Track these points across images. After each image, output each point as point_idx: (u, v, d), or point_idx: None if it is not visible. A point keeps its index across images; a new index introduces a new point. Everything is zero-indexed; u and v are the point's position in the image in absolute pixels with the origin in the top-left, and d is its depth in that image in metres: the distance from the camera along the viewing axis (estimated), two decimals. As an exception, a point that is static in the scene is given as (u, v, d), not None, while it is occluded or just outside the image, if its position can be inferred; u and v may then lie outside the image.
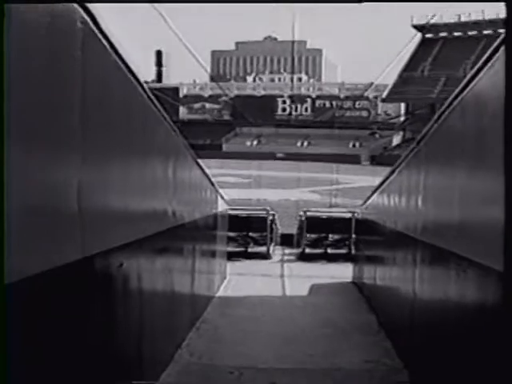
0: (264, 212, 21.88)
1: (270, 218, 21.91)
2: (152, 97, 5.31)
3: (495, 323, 3.32)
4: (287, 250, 22.88)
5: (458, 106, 4.72)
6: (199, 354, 7.61)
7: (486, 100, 3.81)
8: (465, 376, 4.30)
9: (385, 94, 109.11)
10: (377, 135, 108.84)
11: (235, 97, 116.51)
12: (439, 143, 5.58)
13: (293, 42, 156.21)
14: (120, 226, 4.30)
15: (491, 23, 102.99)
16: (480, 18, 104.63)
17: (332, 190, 47.43)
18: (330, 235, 20.67)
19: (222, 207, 13.55)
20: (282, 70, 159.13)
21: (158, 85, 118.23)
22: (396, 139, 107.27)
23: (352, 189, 53.10)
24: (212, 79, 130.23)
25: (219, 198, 12.82)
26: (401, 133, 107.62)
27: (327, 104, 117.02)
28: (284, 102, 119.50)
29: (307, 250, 20.65)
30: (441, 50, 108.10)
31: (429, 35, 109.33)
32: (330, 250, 20.43)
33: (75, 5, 3.15)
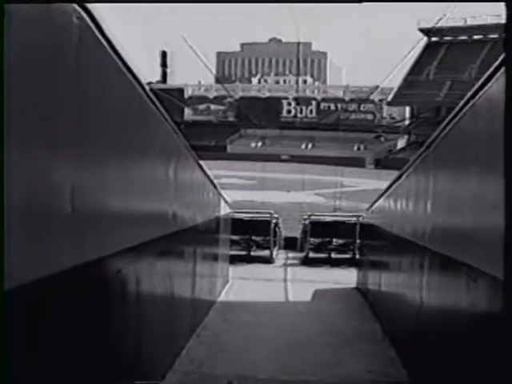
0: (268, 215, 21.67)
1: (274, 221, 21.73)
2: (152, 97, 5.15)
3: (506, 335, 3.05)
4: (291, 254, 22.69)
5: (470, 111, 4.54)
6: (199, 362, 7.41)
7: (499, 104, 3.60)
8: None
9: (390, 98, 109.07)
10: (382, 138, 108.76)
11: (240, 98, 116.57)
12: (450, 148, 5.39)
13: (298, 44, 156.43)
14: (117, 232, 4.12)
15: (497, 27, 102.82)
16: (485, 21, 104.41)
17: (336, 192, 47.23)
18: (334, 240, 20.48)
19: (224, 210, 13.37)
20: (287, 72, 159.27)
21: (162, 85, 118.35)
22: (401, 143, 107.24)
23: (356, 192, 53.03)
24: (217, 80, 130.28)
25: (222, 200, 12.64)
26: (406, 136, 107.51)
27: (332, 106, 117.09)
28: (289, 104, 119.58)
29: (311, 255, 20.47)
30: (446, 54, 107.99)
31: (434, 39, 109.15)
32: (333, 255, 20.25)
33: (74, 4, 3.08)
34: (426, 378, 6.07)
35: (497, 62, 3.74)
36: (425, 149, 6.60)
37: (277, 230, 22.52)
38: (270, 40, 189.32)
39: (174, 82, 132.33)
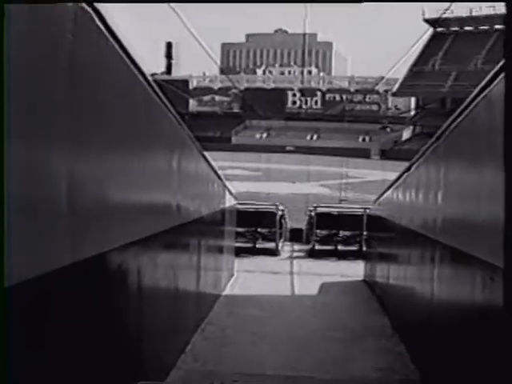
0: (273, 207, 21.47)
1: (280, 213, 21.53)
2: (155, 87, 5.01)
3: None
4: (296, 246, 22.50)
5: (484, 100, 4.37)
6: (204, 359, 7.24)
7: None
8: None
9: (395, 88, 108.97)
10: (388, 129, 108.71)
11: (245, 89, 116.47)
12: (464, 138, 5.18)
13: (304, 35, 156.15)
14: (118, 226, 3.98)
15: (502, 17, 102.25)
16: (491, 12, 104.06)
17: (342, 184, 47.06)
18: (341, 232, 20.28)
19: (229, 202, 13.21)
20: (291, 63, 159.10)
21: (167, 77, 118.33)
22: (406, 133, 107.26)
23: (362, 183, 52.97)
24: (222, 72, 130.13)
25: (227, 192, 12.47)
26: (411, 127, 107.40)
27: (337, 97, 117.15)
28: (294, 95, 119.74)
29: (317, 247, 20.27)
30: (452, 45, 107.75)
31: (440, 29, 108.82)
32: (340, 247, 20.05)
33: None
34: (436, 375, 5.91)
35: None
36: (435, 139, 6.41)
37: (282, 221, 22.34)
38: (276, 31, 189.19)
39: (179, 73, 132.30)
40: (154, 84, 4.92)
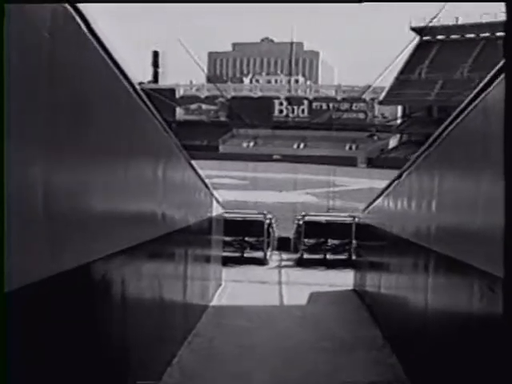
0: (261, 216, 21.27)
1: (268, 221, 21.33)
2: (142, 94, 4.89)
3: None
4: (285, 255, 22.30)
5: (480, 105, 4.25)
6: (191, 373, 7.03)
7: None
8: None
9: (382, 97, 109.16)
10: (375, 137, 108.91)
11: (232, 98, 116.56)
12: (458, 144, 5.03)
13: (291, 44, 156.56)
14: (101, 236, 3.80)
15: (489, 26, 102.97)
16: (478, 20, 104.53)
17: (329, 192, 46.96)
18: (330, 240, 20.10)
19: (217, 211, 13.03)
20: (278, 72, 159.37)
21: (154, 85, 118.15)
22: (393, 142, 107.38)
23: (349, 191, 52.90)
24: (209, 80, 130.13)
25: (214, 201, 12.29)
26: (397, 135, 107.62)
27: (324, 106, 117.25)
28: (281, 104, 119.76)
29: (305, 256, 20.07)
30: (438, 53, 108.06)
31: (426, 38, 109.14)
32: (329, 256, 19.86)
33: (65, 4, 3.03)
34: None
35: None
36: (428, 146, 6.25)
37: (270, 230, 22.13)
38: (262, 40, 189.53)
39: (165, 82, 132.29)
40: (138, 89, 4.78)
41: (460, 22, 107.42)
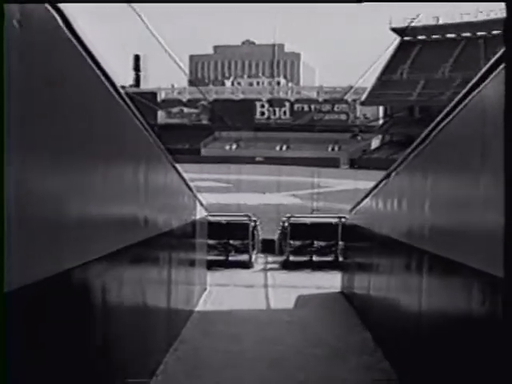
0: (246, 218, 21.02)
1: (252, 224, 21.07)
2: (123, 94, 4.68)
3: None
4: (270, 258, 22.06)
5: (473, 101, 4.09)
6: (177, 382, 6.77)
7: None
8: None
9: (364, 97, 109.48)
10: (359, 137, 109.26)
11: (214, 101, 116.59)
12: (450, 142, 4.83)
13: (273, 46, 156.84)
14: (78, 243, 3.57)
15: (470, 25, 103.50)
16: (458, 20, 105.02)
17: (313, 193, 46.91)
18: (315, 242, 19.87)
19: (200, 214, 12.79)
20: (260, 74, 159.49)
21: (136, 89, 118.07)
22: (375, 142, 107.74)
23: (333, 192, 52.93)
24: (190, 83, 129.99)
25: (198, 204, 12.05)
26: (380, 136, 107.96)
27: (306, 108, 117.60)
28: (262, 106, 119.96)
29: (291, 258, 19.82)
30: (419, 53, 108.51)
31: (407, 38, 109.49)
32: (315, 258, 19.62)
33: (46, 4, 2.97)
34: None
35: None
36: (419, 143, 6.02)
37: (255, 233, 21.88)
38: (243, 42, 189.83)
39: (147, 85, 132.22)
40: (120, 89, 4.58)
41: (440, 22, 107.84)
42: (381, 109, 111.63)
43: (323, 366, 7.84)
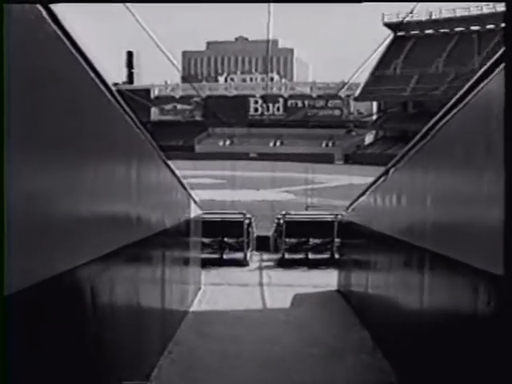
0: (240, 216, 20.81)
1: (247, 221, 20.86)
2: (113, 89, 4.53)
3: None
4: (265, 256, 21.83)
5: (478, 96, 3.96)
6: None
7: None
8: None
9: (357, 93, 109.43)
10: (353, 133, 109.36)
11: (207, 97, 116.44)
12: (453, 138, 4.66)
13: (267, 42, 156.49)
14: (64, 246, 3.41)
15: (462, 20, 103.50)
16: (451, 15, 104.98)
17: (307, 189, 46.78)
18: (311, 239, 19.67)
19: (194, 212, 12.63)
20: (253, 70, 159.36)
21: (129, 86, 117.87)
22: (369, 138, 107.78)
23: (328, 188, 52.84)
24: (184, 80, 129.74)
25: (192, 202, 11.87)
26: (373, 131, 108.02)
27: (299, 103, 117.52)
28: (256, 102, 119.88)
29: (287, 256, 19.62)
30: (413, 48, 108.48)
31: (400, 33, 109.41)
32: (311, 255, 19.42)
33: (37, 4, 2.98)
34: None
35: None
36: (420, 138, 5.85)
37: (250, 230, 21.67)
38: (236, 39, 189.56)
39: (140, 82, 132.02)
40: (111, 85, 4.45)
41: (434, 17, 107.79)
42: (374, 104, 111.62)
43: (321, 366, 7.70)
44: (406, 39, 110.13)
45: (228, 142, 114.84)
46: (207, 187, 47.49)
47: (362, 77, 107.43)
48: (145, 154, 6.39)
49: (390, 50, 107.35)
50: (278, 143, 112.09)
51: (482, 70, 3.81)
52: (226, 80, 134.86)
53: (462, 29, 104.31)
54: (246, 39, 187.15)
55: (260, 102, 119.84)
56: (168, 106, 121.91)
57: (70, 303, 3.60)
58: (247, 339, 9.12)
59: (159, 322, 8.06)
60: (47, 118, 3.12)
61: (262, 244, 23.60)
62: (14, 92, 2.62)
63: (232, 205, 34.56)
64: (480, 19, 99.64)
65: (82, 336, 3.94)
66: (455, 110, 4.52)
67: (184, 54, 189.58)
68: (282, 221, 20.70)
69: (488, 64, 3.71)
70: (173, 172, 8.68)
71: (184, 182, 10.21)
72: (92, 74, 3.94)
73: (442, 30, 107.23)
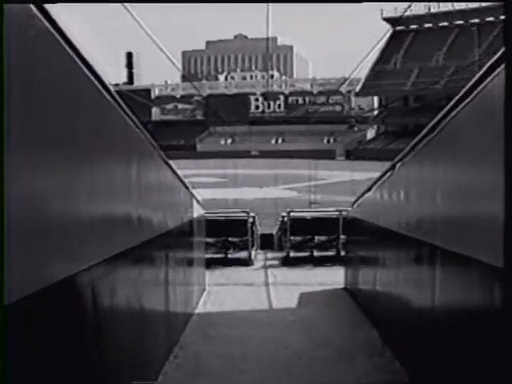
0: (244, 214, 20.60)
1: (251, 220, 20.66)
2: (112, 90, 4.41)
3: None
4: (270, 254, 21.66)
5: (497, 78, 3.72)
6: None
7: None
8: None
9: (358, 88, 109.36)
10: (356, 128, 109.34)
11: (208, 96, 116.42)
12: (466, 128, 4.50)
13: (267, 39, 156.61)
14: (61, 252, 3.27)
15: (462, 13, 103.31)
16: (450, 8, 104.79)
17: (310, 186, 46.66)
18: (316, 237, 19.46)
19: (198, 211, 12.46)
20: (253, 68, 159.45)
21: (129, 87, 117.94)
22: (370, 133, 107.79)
23: (330, 184, 52.76)
24: (184, 79, 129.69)
25: (195, 201, 11.70)
26: (375, 126, 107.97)
27: (300, 100, 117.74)
28: (257, 100, 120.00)
29: (292, 254, 19.41)
30: (412, 42, 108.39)
31: (400, 27, 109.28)
32: (316, 253, 19.21)
33: (30, 5, 2.92)
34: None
35: None
36: (428, 131, 5.68)
37: (254, 229, 21.48)
38: (236, 37, 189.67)
39: (140, 83, 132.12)
40: (109, 85, 4.32)
41: (432, 11, 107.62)
42: (375, 99, 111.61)
43: (330, 368, 7.50)
44: (405, 33, 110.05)
45: (229, 141, 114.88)
46: (209, 186, 47.47)
47: (362, 72, 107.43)
48: (145, 154, 6.24)
49: (390, 45, 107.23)
50: (279, 140, 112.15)
51: (490, 62, 3.72)
52: (226, 78, 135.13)
53: (461, 22, 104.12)
54: (246, 37, 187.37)
55: (261, 99, 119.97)
56: (169, 106, 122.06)
57: (71, 310, 3.50)
58: (254, 341, 8.95)
59: (164, 326, 7.89)
60: (47, 118, 3.04)
61: (266, 242, 23.45)
62: (14, 92, 2.57)
63: (235, 203, 34.44)
64: (479, 12, 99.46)
65: (84, 342, 3.82)
66: (466, 101, 4.37)
67: (184, 53, 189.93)
68: (286, 218, 20.50)
69: (496, 56, 3.64)
70: (174, 172, 8.52)
71: (186, 181, 10.04)
72: (90, 74, 3.83)
73: (441, 24, 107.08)
